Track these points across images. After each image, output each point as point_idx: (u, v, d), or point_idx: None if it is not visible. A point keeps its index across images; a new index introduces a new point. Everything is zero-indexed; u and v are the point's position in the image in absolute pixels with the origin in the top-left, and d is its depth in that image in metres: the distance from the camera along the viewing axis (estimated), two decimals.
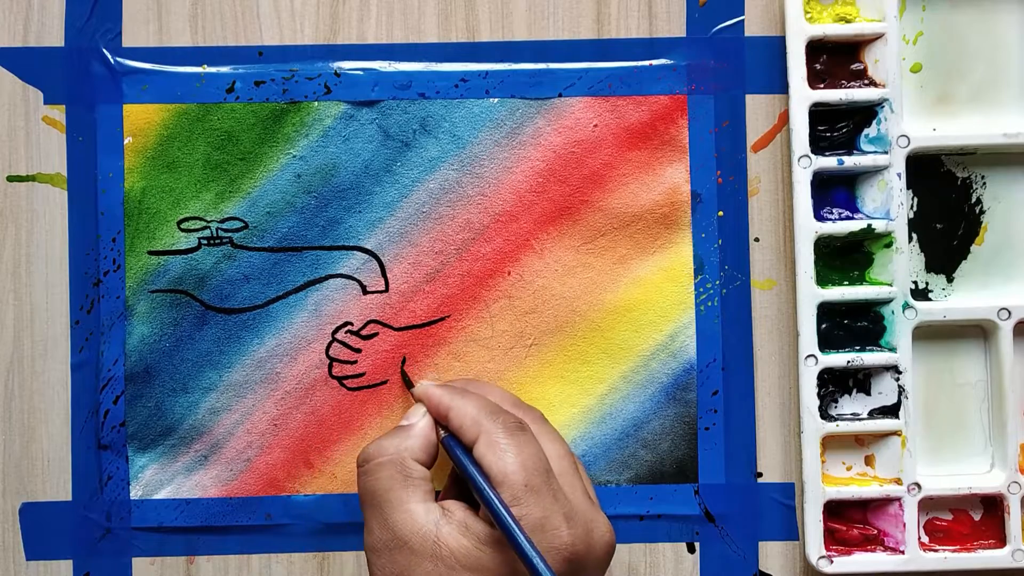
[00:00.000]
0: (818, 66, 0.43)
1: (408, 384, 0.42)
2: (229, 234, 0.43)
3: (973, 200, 0.44)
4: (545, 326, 0.43)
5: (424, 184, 0.43)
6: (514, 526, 0.32)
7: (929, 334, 0.43)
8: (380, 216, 0.43)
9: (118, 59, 0.43)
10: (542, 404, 0.43)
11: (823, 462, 0.43)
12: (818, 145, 0.43)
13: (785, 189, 0.44)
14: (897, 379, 0.43)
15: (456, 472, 0.39)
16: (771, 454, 0.44)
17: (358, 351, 0.43)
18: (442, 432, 0.37)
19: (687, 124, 0.43)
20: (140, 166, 0.43)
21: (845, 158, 0.42)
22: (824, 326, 0.43)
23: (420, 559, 0.33)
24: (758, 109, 0.44)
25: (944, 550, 0.42)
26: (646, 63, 0.43)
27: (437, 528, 0.34)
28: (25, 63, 0.43)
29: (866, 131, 0.43)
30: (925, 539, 0.43)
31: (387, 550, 0.34)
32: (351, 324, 0.43)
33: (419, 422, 0.37)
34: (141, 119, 0.43)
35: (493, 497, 0.33)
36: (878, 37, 0.42)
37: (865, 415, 0.43)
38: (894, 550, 0.42)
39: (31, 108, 0.43)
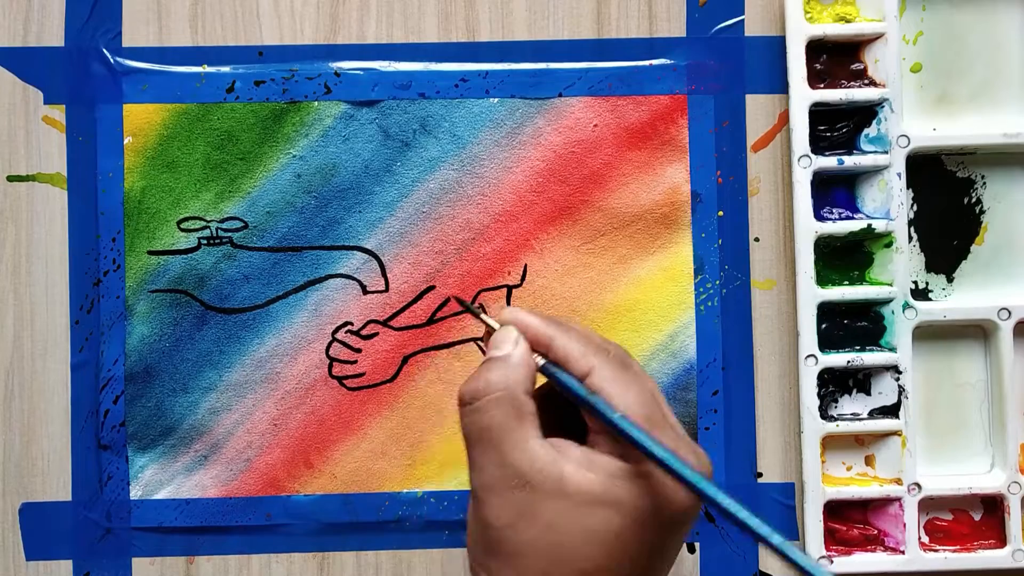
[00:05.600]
0: (818, 66, 0.43)
1: (472, 312, 0.37)
2: (229, 234, 0.43)
3: (973, 200, 0.44)
4: None
5: (424, 184, 0.43)
6: (663, 450, 0.30)
7: (929, 334, 0.43)
8: (380, 216, 0.43)
9: (118, 59, 0.43)
10: None
11: (823, 462, 0.43)
12: (818, 145, 0.43)
13: (785, 189, 0.44)
14: (897, 379, 0.43)
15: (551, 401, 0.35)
16: (771, 454, 0.44)
17: (358, 351, 0.43)
18: (539, 360, 0.33)
19: (687, 124, 0.43)
20: (140, 166, 0.43)
21: (845, 158, 0.42)
22: (824, 326, 0.43)
23: (544, 498, 0.31)
24: (758, 109, 0.44)
25: (944, 550, 0.42)
26: (646, 63, 0.43)
27: (558, 466, 0.31)
28: (25, 63, 0.43)
29: (866, 131, 0.43)
30: (925, 539, 0.43)
31: (505, 490, 0.32)
32: (351, 324, 0.43)
33: (516, 351, 0.33)
34: (141, 119, 0.43)
35: (629, 425, 0.31)
36: (878, 37, 0.42)
37: (865, 415, 0.43)
38: (894, 550, 0.42)
39: (31, 108, 0.43)
